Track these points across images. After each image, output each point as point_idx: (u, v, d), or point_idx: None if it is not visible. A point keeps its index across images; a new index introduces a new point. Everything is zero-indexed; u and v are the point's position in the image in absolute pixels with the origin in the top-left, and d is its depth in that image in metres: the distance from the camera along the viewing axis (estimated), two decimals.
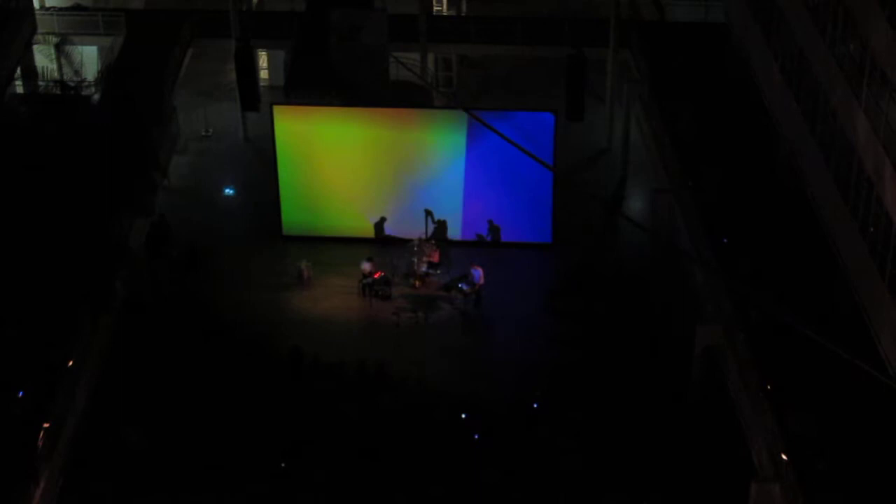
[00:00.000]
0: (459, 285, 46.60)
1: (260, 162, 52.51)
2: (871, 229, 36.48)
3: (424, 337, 45.12)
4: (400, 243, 48.40)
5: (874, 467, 33.88)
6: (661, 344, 43.46)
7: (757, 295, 37.38)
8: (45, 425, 36.33)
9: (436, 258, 47.92)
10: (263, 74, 59.81)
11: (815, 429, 35.19)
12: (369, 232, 49.61)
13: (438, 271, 47.80)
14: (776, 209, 44.00)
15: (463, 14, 62.58)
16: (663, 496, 37.92)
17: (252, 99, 51.42)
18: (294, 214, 49.84)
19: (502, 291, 46.89)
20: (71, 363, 38.90)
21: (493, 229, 49.44)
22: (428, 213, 48.93)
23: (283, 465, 38.79)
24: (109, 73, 53.41)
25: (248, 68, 50.99)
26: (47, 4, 58.14)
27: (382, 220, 49.49)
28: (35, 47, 56.12)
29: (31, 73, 55.22)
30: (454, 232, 49.37)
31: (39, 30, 55.53)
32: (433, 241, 48.59)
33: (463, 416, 40.53)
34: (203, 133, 56.37)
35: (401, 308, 46.18)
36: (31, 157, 41.91)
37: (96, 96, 52.34)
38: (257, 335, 43.99)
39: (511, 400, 41.46)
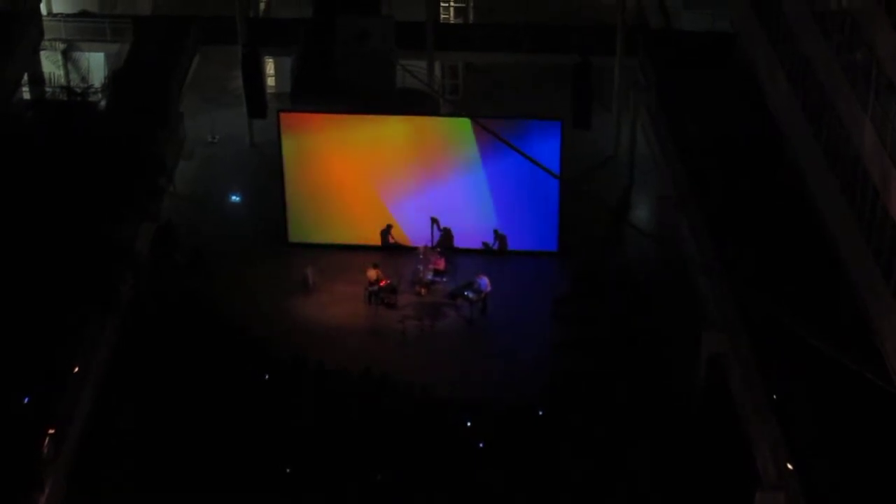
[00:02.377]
0: (465, 293, 46.50)
1: (266, 168, 52.50)
2: (877, 237, 36.42)
3: (430, 345, 45.10)
4: (406, 251, 48.46)
5: (880, 476, 33.76)
6: (666, 351, 43.42)
7: (762, 302, 37.32)
8: (50, 431, 36.32)
9: (441, 266, 47.89)
10: (270, 81, 59.85)
11: (820, 436, 35.11)
12: (375, 239, 49.60)
13: (444, 279, 47.78)
14: (782, 217, 43.95)
15: (470, 22, 62.63)
16: None
17: (259, 105, 51.49)
18: (300, 221, 49.84)
19: (508, 299, 46.86)
20: (76, 368, 38.90)
21: (499, 237, 49.41)
22: (434, 220, 48.90)
23: (287, 470, 38.76)
24: (116, 79, 53.48)
25: (254, 75, 51.14)
26: (54, 10, 58.27)
27: (389, 227, 49.47)
28: (42, 53, 56.22)
29: (38, 79, 55.28)
30: (460, 240, 49.34)
31: (46, 36, 55.62)
32: (439, 249, 48.57)
33: (468, 423, 40.48)
34: (209, 139, 56.42)
35: (406, 316, 46.18)
36: (38, 162, 41.84)
37: (103, 102, 52.37)
38: (262, 341, 43.93)
39: (516, 407, 41.38)
